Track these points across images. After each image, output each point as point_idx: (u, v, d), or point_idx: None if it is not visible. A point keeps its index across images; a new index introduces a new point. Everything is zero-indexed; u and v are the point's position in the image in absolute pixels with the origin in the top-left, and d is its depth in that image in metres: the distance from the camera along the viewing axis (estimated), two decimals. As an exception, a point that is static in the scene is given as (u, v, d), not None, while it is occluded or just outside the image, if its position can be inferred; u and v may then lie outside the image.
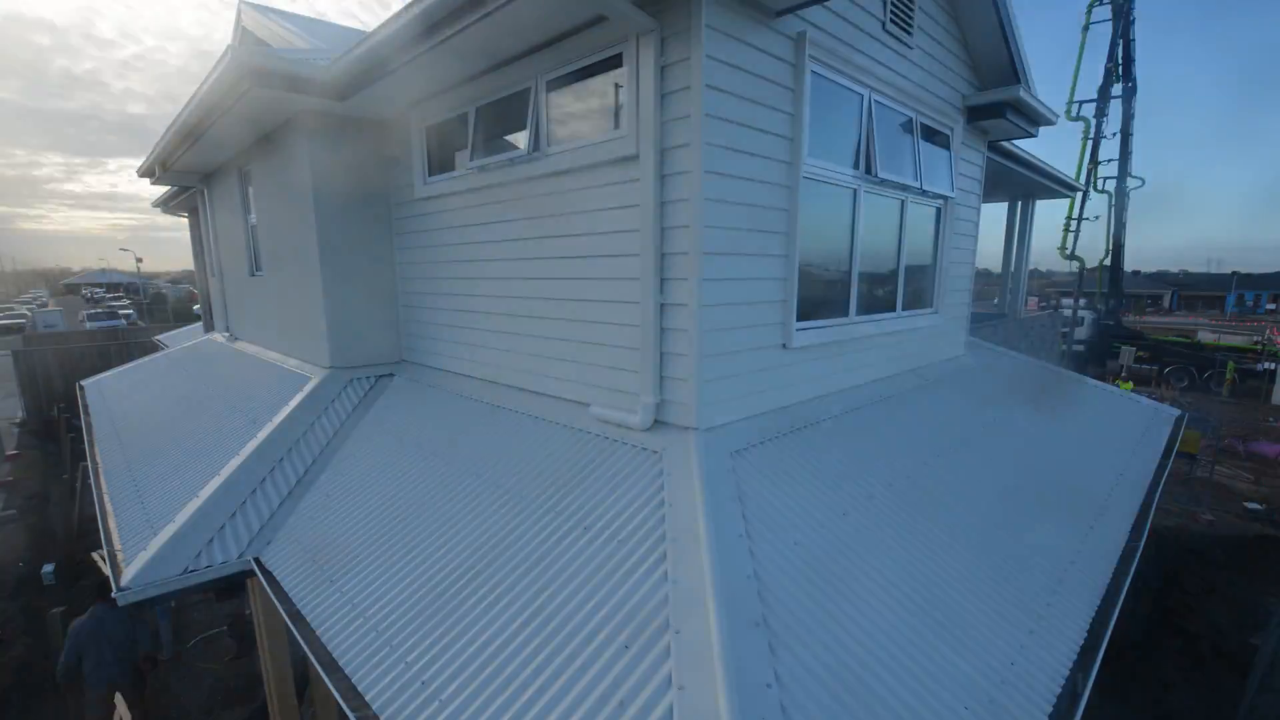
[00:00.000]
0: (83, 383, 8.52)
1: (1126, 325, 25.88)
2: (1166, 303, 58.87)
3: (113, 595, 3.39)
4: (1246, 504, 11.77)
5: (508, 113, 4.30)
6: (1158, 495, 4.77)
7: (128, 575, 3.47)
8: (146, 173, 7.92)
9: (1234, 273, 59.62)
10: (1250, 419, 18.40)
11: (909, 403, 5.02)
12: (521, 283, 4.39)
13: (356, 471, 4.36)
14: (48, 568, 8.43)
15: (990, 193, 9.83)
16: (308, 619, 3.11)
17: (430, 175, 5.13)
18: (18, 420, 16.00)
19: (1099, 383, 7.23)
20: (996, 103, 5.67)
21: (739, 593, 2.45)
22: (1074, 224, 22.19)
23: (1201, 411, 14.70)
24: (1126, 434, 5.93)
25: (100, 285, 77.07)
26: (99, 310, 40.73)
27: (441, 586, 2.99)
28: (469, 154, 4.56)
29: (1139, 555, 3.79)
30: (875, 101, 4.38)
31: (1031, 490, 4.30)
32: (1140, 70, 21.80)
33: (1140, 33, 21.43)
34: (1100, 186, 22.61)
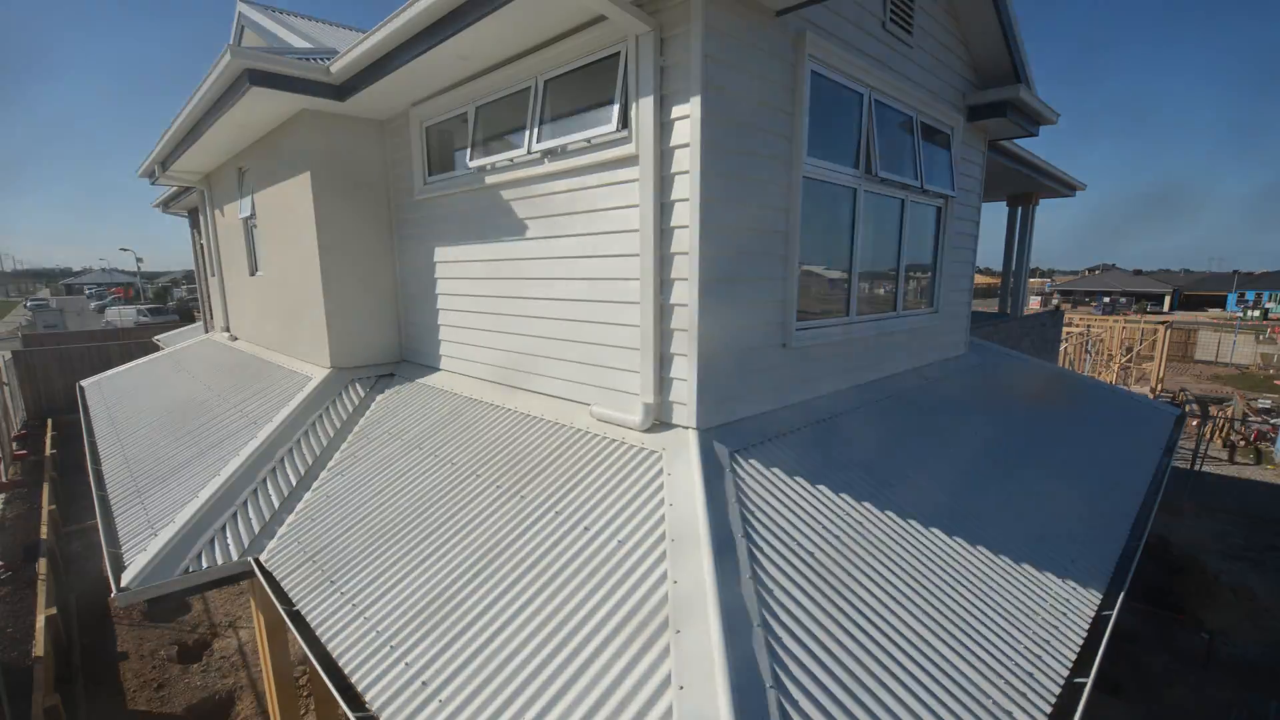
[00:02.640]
0: (83, 383, 8.53)
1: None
2: (1168, 302, 58.84)
3: (112, 596, 3.39)
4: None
5: (508, 112, 4.30)
6: (1159, 495, 4.76)
7: (127, 576, 3.47)
8: (146, 173, 7.92)
9: (1235, 272, 59.61)
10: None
11: (910, 403, 5.02)
12: (521, 283, 4.39)
13: (356, 471, 4.36)
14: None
15: (991, 192, 9.82)
16: (307, 619, 3.11)
17: (430, 175, 5.13)
18: (17, 421, 16.01)
19: (1101, 382, 7.23)
20: (997, 102, 5.66)
21: (739, 593, 2.45)
22: None
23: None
24: (1128, 433, 5.92)
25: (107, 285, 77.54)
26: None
27: (442, 586, 2.99)
28: (469, 154, 4.56)
29: (1139, 555, 3.78)
30: (875, 100, 4.37)
31: (1031, 490, 4.29)
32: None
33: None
34: None
